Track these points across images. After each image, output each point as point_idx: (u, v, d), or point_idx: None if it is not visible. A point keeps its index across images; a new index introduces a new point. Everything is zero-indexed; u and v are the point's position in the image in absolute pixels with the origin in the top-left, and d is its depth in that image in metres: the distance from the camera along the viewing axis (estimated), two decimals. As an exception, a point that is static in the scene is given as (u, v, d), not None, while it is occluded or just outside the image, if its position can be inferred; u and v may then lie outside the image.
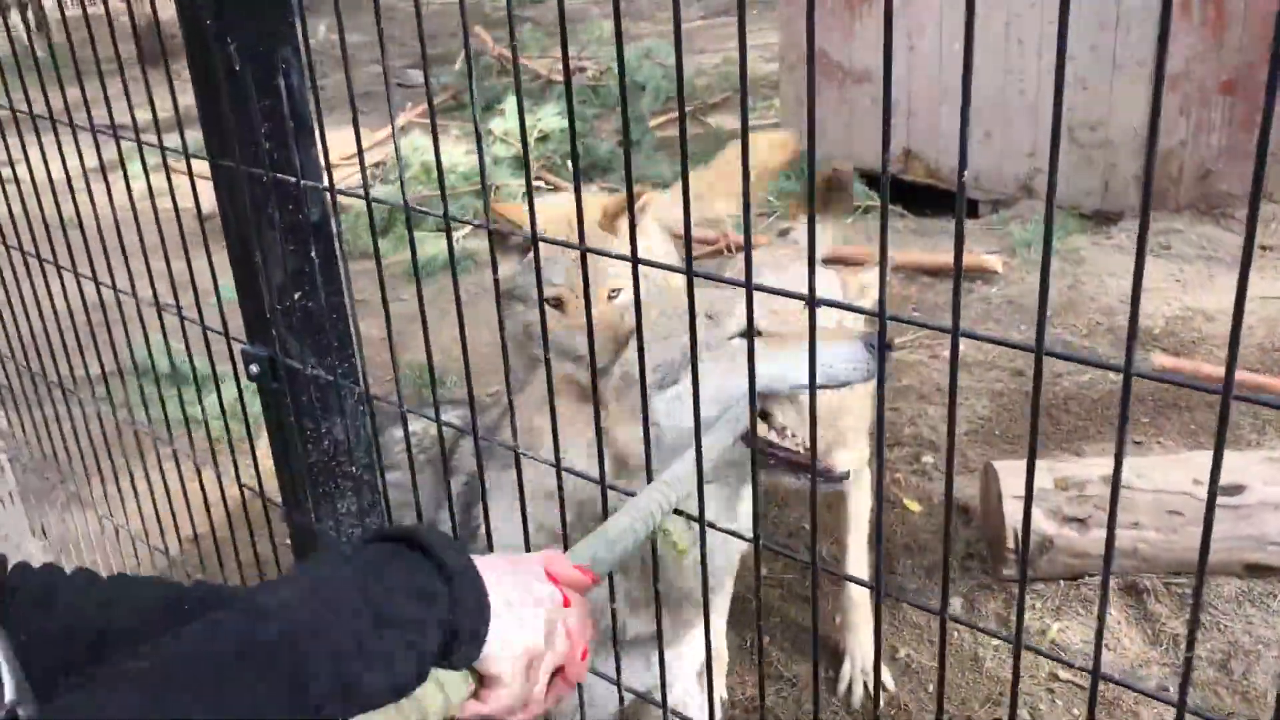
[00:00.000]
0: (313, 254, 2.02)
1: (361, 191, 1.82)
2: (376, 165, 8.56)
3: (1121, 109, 6.45)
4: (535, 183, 7.89)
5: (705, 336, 2.21)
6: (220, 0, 1.84)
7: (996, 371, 5.03)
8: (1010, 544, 3.64)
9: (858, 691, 3.52)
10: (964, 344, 5.26)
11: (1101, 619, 1.13)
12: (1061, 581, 3.68)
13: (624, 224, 3.26)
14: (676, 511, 1.63)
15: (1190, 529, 3.57)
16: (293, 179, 1.88)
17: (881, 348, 1.35)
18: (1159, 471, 3.63)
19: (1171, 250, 6.08)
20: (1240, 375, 4.65)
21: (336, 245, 2.04)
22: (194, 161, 2.13)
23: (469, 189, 7.75)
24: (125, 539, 2.89)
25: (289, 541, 2.34)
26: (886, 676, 3.50)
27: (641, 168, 8.04)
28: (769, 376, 2.07)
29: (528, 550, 1.92)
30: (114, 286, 2.43)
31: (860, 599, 3.58)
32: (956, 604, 3.74)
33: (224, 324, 2.21)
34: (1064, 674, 3.42)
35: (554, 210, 3.25)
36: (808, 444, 2.26)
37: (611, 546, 1.57)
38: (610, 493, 1.71)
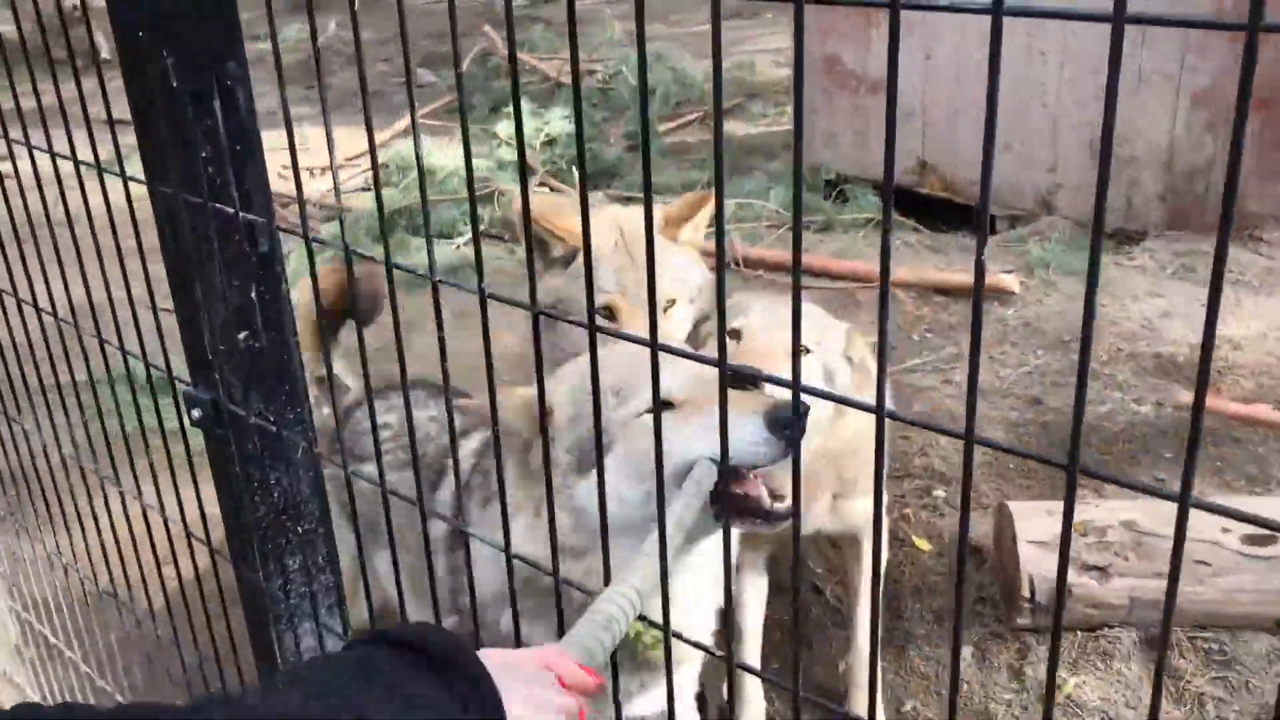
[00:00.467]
0: (259, 290, 1.81)
1: (301, 227, 1.61)
2: (383, 166, 8.36)
3: (1146, 124, 6.22)
4: (540, 188, 7.69)
5: (615, 416, 2.04)
6: (155, 8, 1.64)
7: (1012, 399, 4.81)
8: (1025, 591, 3.42)
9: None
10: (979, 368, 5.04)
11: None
12: (1079, 632, 3.46)
13: (687, 232, 3.07)
14: (640, 618, 1.43)
15: (1219, 580, 3.35)
16: (230, 209, 1.68)
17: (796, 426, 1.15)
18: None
19: (1196, 273, 5.85)
20: (1244, 409, 4.41)
21: (284, 281, 1.84)
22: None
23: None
24: (74, 578, 2.70)
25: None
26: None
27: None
28: (677, 455, 1.88)
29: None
30: (54, 313, 2.24)
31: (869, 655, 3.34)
32: (966, 653, 3.52)
33: (166, 360, 2.01)
34: (1081, 734, 3.21)
35: (605, 220, 3.06)
36: (780, 493, 2.07)
37: (603, 637, 1.43)
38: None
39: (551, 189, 7.67)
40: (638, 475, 1.99)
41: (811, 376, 2.79)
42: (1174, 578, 0.97)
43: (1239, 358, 5.04)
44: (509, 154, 8.22)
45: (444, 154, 8.03)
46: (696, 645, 1.46)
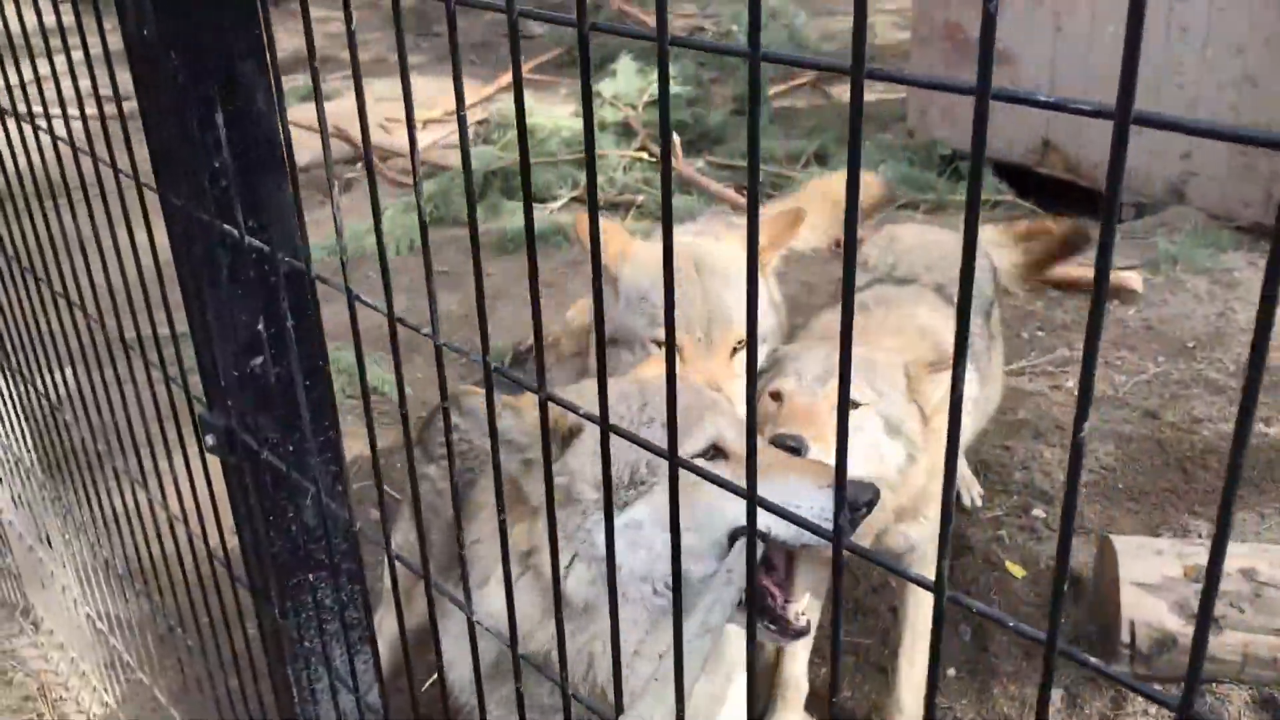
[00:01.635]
0: (279, 313, 1.64)
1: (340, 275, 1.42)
2: (480, 123, 8.20)
3: None
4: (639, 154, 7.45)
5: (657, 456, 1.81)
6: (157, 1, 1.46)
7: (1126, 411, 4.46)
8: (1125, 638, 3.14)
9: None
10: (1091, 375, 4.70)
11: None
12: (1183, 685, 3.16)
13: (774, 261, 2.83)
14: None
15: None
16: (234, 231, 1.50)
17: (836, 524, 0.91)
18: (1314, 571, 3.08)
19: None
20: None
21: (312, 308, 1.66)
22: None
23: (570, 157, 7.34)
24: (114, 574, 2.61)
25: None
26: None
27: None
28: (729, 519, 1.70)
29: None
30: (101, 320, 2.10)
31: (910, 702, 3.08)
32: (1055, 697, 3.26)
33: (184, 380, 1.85)
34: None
35: (648, 254, 2.80)
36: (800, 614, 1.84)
37: None
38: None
39: (650, 153, 7.42)
40: (685, 524, 1.76)
41: (871, 433, 2.55)
42: None
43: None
44: (611, 114, 7.98)
45: (548, 112, 7.83)
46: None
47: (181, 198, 1.58)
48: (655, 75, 8.23)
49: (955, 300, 2.74)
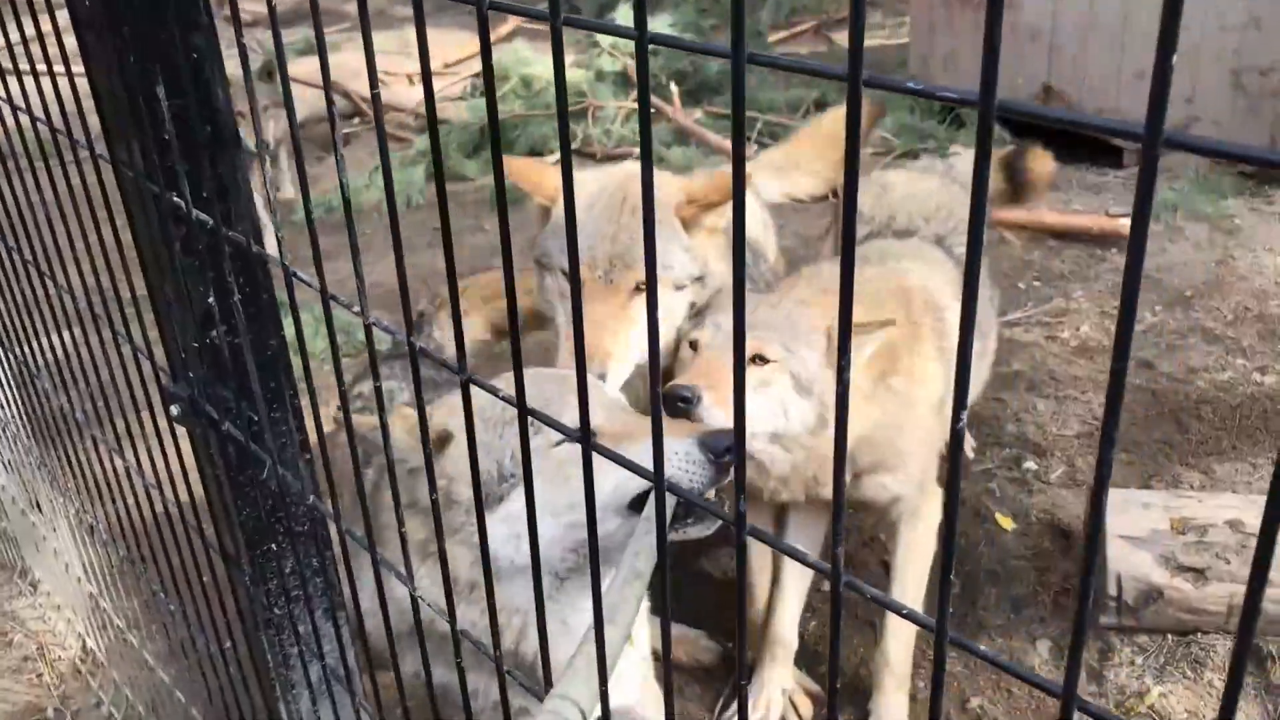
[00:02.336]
0: (235, 283, 1.63)
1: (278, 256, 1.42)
2: (477, 75, 8.13)
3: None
4: (634, 104, 7.38)
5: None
6: (97, -26, 1.44)
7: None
8: (1112, 590, 3.14)
9: None
10: (1086, 324, 4.64)
11: None
12: (1169, 636, 3.18)
13: (713, 219, 2.76)
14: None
15: (1332, 593, 3.02)
16: (182, 204, 1.49)
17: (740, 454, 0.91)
18: (1300, 521, 3.07)
19: (1343, 224, 5.33)
20: None
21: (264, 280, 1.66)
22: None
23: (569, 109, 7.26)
24: (98, 539, 2.63)
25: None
26: None
27: (752, 91, 7.45)
28: (616, 485, 1.84)
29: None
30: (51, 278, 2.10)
31: (897, 656, 3.05)
32: (1043, 649, 3.28)
33: (149, 349, 1.86)
34: (1162, 751, 2.96)
35: (616, 178, 2.78)
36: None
37: None
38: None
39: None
40: (553, 509, 1.87)
41: (778, 390, 2.54)
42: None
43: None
44: (609, 64, 7.91)
45: (543, 64, 7.76)
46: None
47: (134, 170, 1.57)
48: (652, 23, 8.17)
49: (957, 253, 2.66)
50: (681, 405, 2.34)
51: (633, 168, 3.00)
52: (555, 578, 1.98)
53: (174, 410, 1.78)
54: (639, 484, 1.82)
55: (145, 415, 2.00)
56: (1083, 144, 6.32)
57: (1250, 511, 3.12)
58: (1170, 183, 5.73)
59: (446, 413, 1.99)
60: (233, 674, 2.24)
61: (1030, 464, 3.95)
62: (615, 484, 1.85)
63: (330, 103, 1.23)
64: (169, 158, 1.52)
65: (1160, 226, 5.41)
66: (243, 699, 2.24)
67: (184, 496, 2.00)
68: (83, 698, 3.31)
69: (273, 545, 1.85)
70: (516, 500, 1.88)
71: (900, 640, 3.06)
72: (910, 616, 0.83)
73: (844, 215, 0.73)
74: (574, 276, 0.87)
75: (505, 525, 1.89)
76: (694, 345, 2.60)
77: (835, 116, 4.05)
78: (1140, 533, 3.15)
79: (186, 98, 1.49)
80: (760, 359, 2.52)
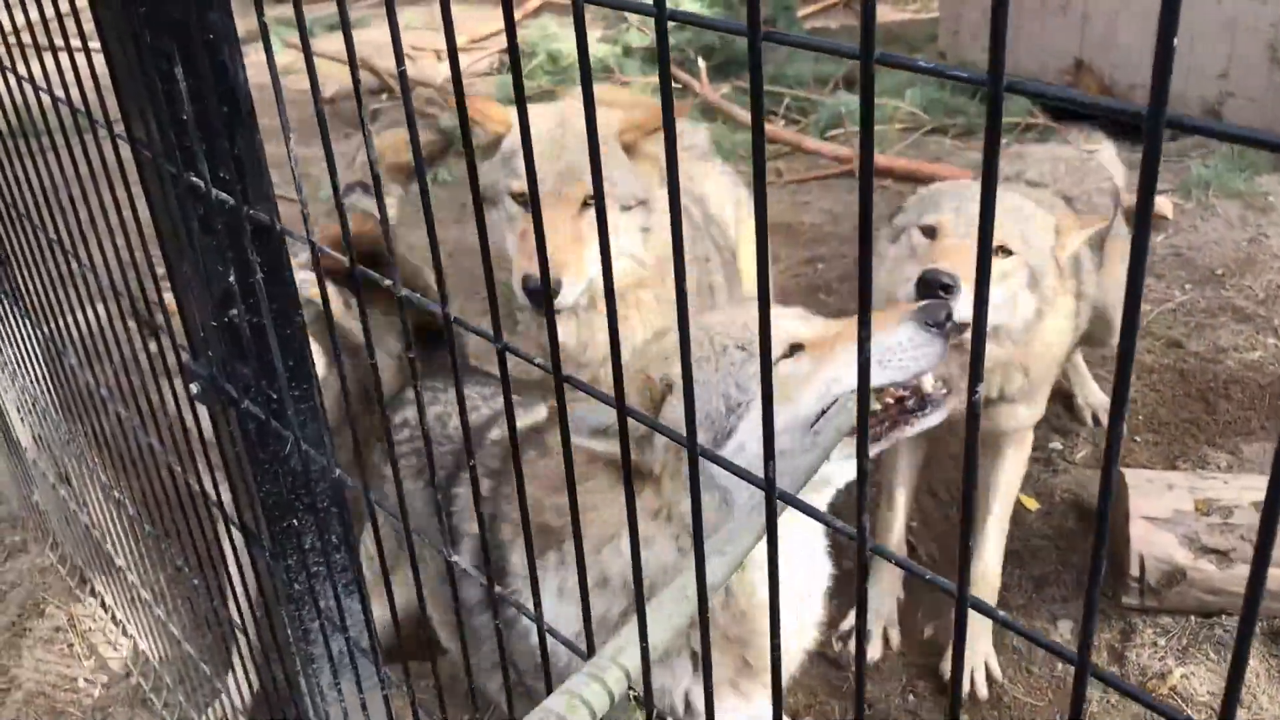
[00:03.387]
0: (252, 263, 1.64)
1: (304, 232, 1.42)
2: (502, 52, 8.12)
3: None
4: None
5: (749, 371, 1.92)
6: (114, -45, 1.45)
7: (1149, 340, 4.40)
8: (1134, 571, 3.13)
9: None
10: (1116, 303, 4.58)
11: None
12: (1192, 618, 3.16)
13: (650, 145, 2.79)
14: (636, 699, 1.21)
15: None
16: (201, 184, 1.50)
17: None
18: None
19: (1378, 203, 5.24)
20: None
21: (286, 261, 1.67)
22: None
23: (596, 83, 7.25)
24: (125, 517, 2.67)
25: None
26: (995, 664, 3.18)
27: (780, 66, 7.40)
28: (824, 395, 1.87)
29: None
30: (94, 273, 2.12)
31: (990, 584, 3.18)
32: (1065, 629, 3.27)
33: (169, 327, 1.87)
34: (1182, 731, 2.94)
35: (551, 112, 2.82)
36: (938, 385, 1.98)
37: None
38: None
39: (678, 81, 7.31)
40: (789, 424, 1.88)
41: (1015, 283, 2.63)
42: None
43: None
44: (637, 39, 7.87)
45: (570, 39, 7.73)
46: None
47: (151, 150, 1.58)
48: (685, -4, 8.08)
49: (1080, 210, 2.68)
50: (943, 292, 2.35)
51: (572, 101, 3.14)
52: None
53: (194, 388, 1.80)
54: (848, 386, 1.84)
55: (169, 396, 2.02)
56: (1117, 119, 6.23)
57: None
58: (1205, 159, 5.65)
59: (660, 363, 1.99)
60: (254, 647, 2.27)
61: (1056, 444, 3.93)
62: (818, 396, 1.87)
63: (356, 79, 1.23)
64: (186, 137, 1.53)
65: (1192, 204, 5.34)
66: (264, 672, 2.28)
67: (202, 474, 2.02)
68: (112, 668, 3.36)
69: (294, 521, 1.87)
70: (742, 431, 1.88)
71: (995, 546, 3.18)
72: (932, 581, 0.83)
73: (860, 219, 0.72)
74: (534, 199, 0.87)
75: (739, 455, 1.86)
76: (928, 231, 2.62)
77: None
78: (1164, 514, 3.13)
79: (203, 76, 1.50)
80: (1004, 250, 2.58)
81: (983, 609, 0.83)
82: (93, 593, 3.51)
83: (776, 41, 0.84)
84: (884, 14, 8.51)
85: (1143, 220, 0.64)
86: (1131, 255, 0.65)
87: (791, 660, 2.20)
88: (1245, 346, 4.30)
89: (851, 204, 5.85)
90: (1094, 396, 4.03)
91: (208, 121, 1.52)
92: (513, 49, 0.93)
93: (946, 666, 3.16)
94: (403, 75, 1.12)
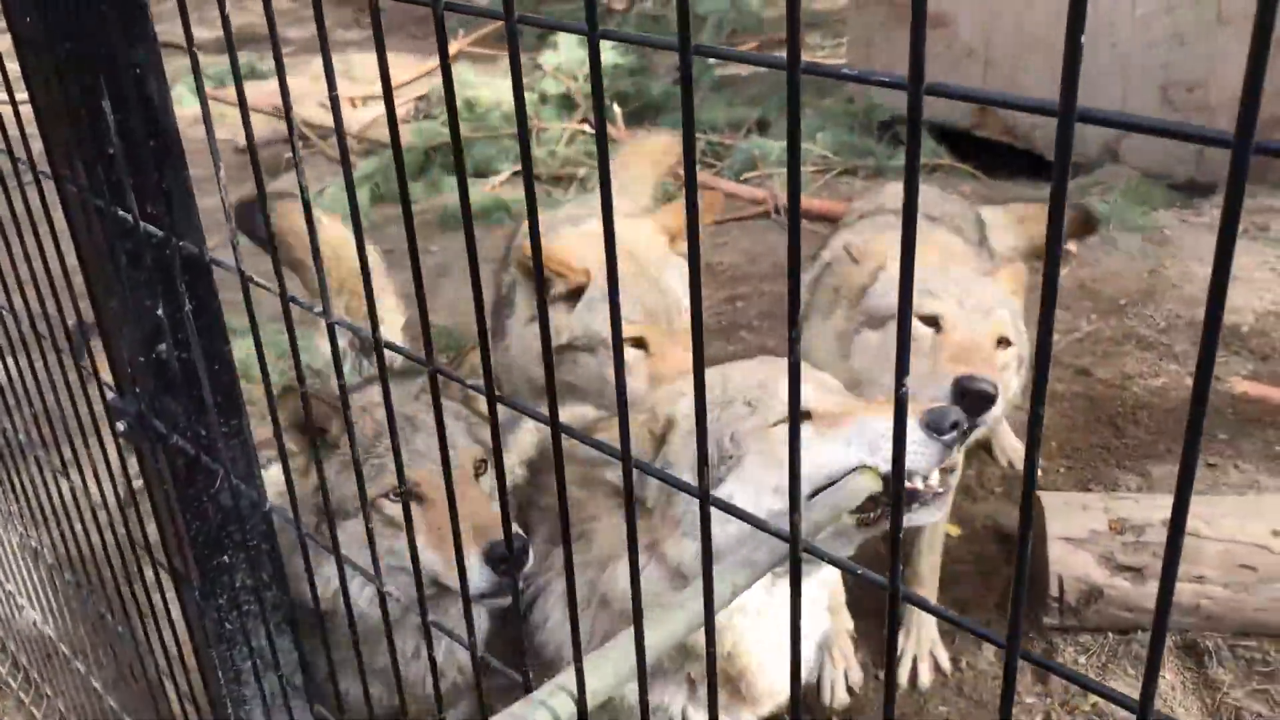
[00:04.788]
0: (181, 298, 1.64)
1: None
2: (420, 99, 8.15)
3: (1224, 69, 5.80)
4: (581, 125, 7.43)
5: (743, 426, 1.98)
6: (40, -9, 1.45)
7: (1059, 369, 4.54)
8: (1054, 591, 3.21)
9: (903, 673, 3.26)
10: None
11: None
12: (1110, 635, 3.25)
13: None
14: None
15: (1264, 587, 3.11)
16: (129, 217, 1.50)
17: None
18: (1231, 519, 3.16)
19: (1269, 232, 5.48)
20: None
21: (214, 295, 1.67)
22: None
23: (512, 131, 7.30)
24: (44, 562, 2.60)
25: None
26: (943, 655, 3.30)
27: (695, 111, 7.51)
28: (826, 465, 1.86)
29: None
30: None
31: (931, 577, 3.33)
32: (989, 651, 3.33)
33: (93, 364, 1.85)
34: (1106, 746, 3.02)
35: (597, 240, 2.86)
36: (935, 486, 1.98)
37: None
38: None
39: (591, 128, 7.40)
40: (775, 487, 1.92)
41: (1013, 372, 2.68)
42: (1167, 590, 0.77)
43: (1311, 329, 4.71)
44: (553, 86, 7.95)
45: (486, 87, 7.79)
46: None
47: (76, 185, 1.57)
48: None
49: (967, 241, 2.74)
50: (984, 402, 2.34)
51: (592, 223, 3.10)
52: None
53: (120, 426, 1.78)
54: (842, 466, 1.84)
55: (92, 438, 1.99)
56: (1022, 157, 6.47)
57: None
58: (1103, 195, 5.87)
59: (667, 402, 2.04)
60: (182, 693, 2.22)
61: (972, 471, 4.02)
62: (821, 464, 1.87)
63: (290, 124, 1.24)
64: (114, 171, 1.53)
65: (1095, 238, 5.53)
66: (192, 718, 2.23)
67: (128, 515, 1.99)
68: (28, 729, 3.25)
69: (224, 558, 1.85)
70: (732, 483, 1.93)
71: (931, 557, 3.31)
72: (864, 576, 0.87)
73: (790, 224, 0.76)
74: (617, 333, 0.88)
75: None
76: (929, 321, 2.59)
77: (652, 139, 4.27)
78: (1080, 534, 3.22)
79: (131, 110, 1.50)
80: (1005, 341, 2.62)
81: (915, 600, 0.87)
82: (2, 650, 3.40)
83: (704, 54, 0.87)
84: (794, 61, 8.68)
85: (1053, 251, 0.69)
86: (1044, 287, 0.69)
87: (779, 694, 2.22)
88: (1149, 373, 4.46)
89: (768, 243, 5.96)
90: (1008, 441, 4.09)
91: (136, 155, 1.52)
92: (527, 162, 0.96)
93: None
94: (338, 118, 1.15)
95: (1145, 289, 5.10)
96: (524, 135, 0.94)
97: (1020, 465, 3.96)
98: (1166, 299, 4.99)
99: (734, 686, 2.13)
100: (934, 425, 1.81)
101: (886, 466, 1.82)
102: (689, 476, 1.85)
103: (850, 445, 1.86)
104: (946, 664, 3.28)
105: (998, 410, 2.42)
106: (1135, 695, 2.83)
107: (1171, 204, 5.85)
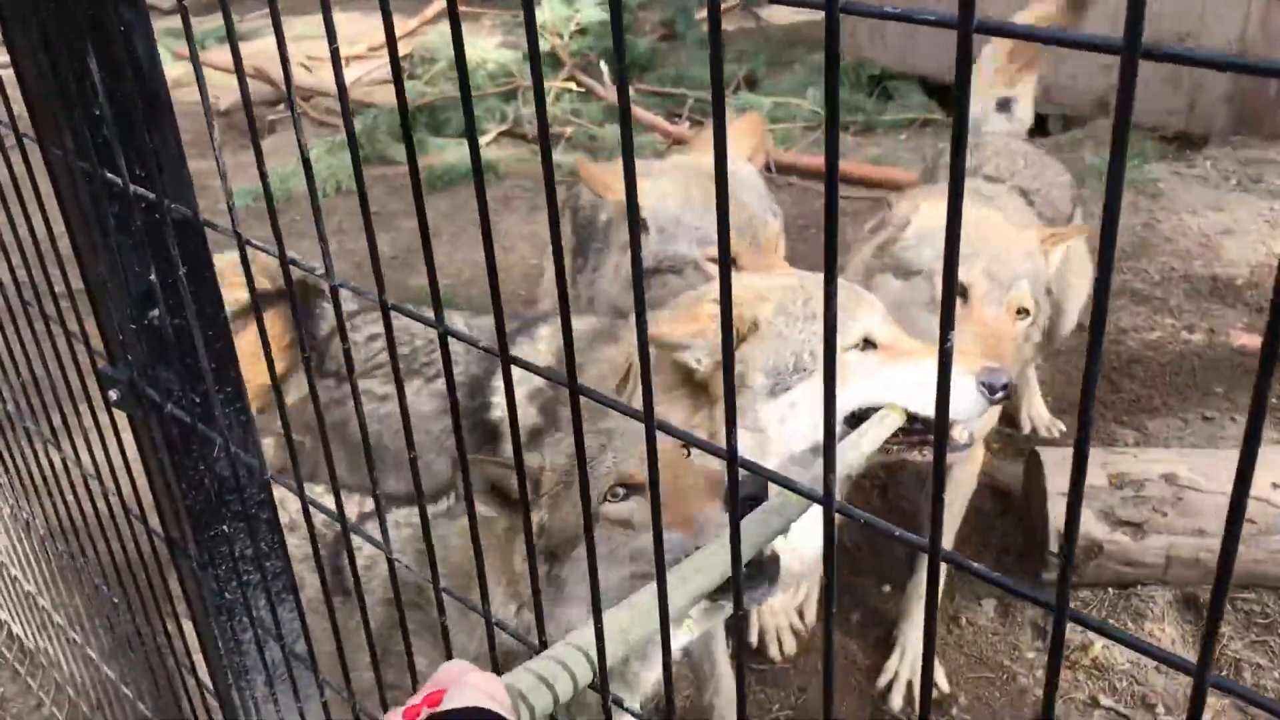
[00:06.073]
0: (173, 262, 1.59)
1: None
2: (404, 58, 8.03)
3: (1215, 19, 5.76)
4: (567, 84, 7.35)
5: (815, 344, 2.08)
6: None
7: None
8: (1053, 547, 3.21)
9: (898, 696, 3.13)
10: (1020, 290, 4.66)
11: None
12: (1110, 590, 3.25)
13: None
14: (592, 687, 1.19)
15: (1265, 539, 3.11)
16: (118, 180, 1.45)
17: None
18: (1230, 472, 3.13)
19: (1262, 183, 5.46)
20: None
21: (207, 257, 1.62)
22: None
23: (497, 90, 7.21)
24: (35, 533, 2.57)
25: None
26: (940, 675, 3.14)
27: (682, 68, 7.45)
28: (875, 394, 2.01)
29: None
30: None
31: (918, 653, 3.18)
32: (989, 607, 3.33)
33: (83, 332, 1.81)
34: (1106, 700, 3.02)
35: (674, 171, 2.93)
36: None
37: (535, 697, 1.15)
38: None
39: (579, 83, 7.32)
40: (815, 412, 2.04)
41: (1030, 344, 2.82)
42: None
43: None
44: (541, 44, 7.83)
45: (473, 44, 7.68)
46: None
47: (62, 148, 1.53)
48: (580, 2, 8.10)
49: (1037, 206, 2.77)
50: (1001, 396, 2.31)
51: (672, 159, 3.39)
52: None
53: (113, 395, 1.74)
54: (886, 402, 1.96)
55: (83, 406, 1.95)
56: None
57: (1183, 465, 3.20)
58: (1096, 149, 5.83)
59: (751, 301, 2.10)
60: (181, 664, 2.20)
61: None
62: (870, 394, 2.03)
63: (245, 89, 1.21)
64: (100, 133, 1.48)
65: (1088, 191, 5.49)
66: (193, 689, 2.21)
67: (125, 485, 1.95)
68: (23, 700, 3.24)
69: (223, 528, 1.82)
70: (799, 391, 2.04)
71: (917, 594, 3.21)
72: (901, 538, 0.84)
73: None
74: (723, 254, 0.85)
75: (784, 410, 2.04)
76: (963, 292, 2.58)
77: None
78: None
79: (119, 71, 1.45)
80: (1024, 311, 2.65)
81: (955, 561, 0.84)
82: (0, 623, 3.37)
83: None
84: (782, 15, 8.62)
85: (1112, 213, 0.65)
86: (1101, 244, 0.66)
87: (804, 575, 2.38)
88: (1144, 327, 4.44)
89: (807, 201, 5.91)
90: (1035, 407, 4.05)
91: (124, 116, 1.47)
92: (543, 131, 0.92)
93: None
94: (288, 81, 1.10)
95: (1139, 243, 5.07)
96: (622, 61, 0.89)
97: (1043, 430, 3.96)
98: (1160, 252, 4.97)
99: None
100: (989, 385, 2.04)
101: (927, 411, 1.97)
102: (761, 379, 2.03)
103: (900, 386, 2.01)
104: (946, 685, 3.14)
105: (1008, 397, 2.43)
106: (1133, 653, 2.81)
107: (1163, 156, 5.81)
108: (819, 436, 1.99)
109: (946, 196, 0.69)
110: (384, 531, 1.38)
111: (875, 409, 1.96)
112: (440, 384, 2.61)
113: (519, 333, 2.68)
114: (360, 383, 2.73)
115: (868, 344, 2.05)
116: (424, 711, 1.01)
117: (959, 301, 2.60)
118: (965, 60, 0.65)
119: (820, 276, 2.12)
